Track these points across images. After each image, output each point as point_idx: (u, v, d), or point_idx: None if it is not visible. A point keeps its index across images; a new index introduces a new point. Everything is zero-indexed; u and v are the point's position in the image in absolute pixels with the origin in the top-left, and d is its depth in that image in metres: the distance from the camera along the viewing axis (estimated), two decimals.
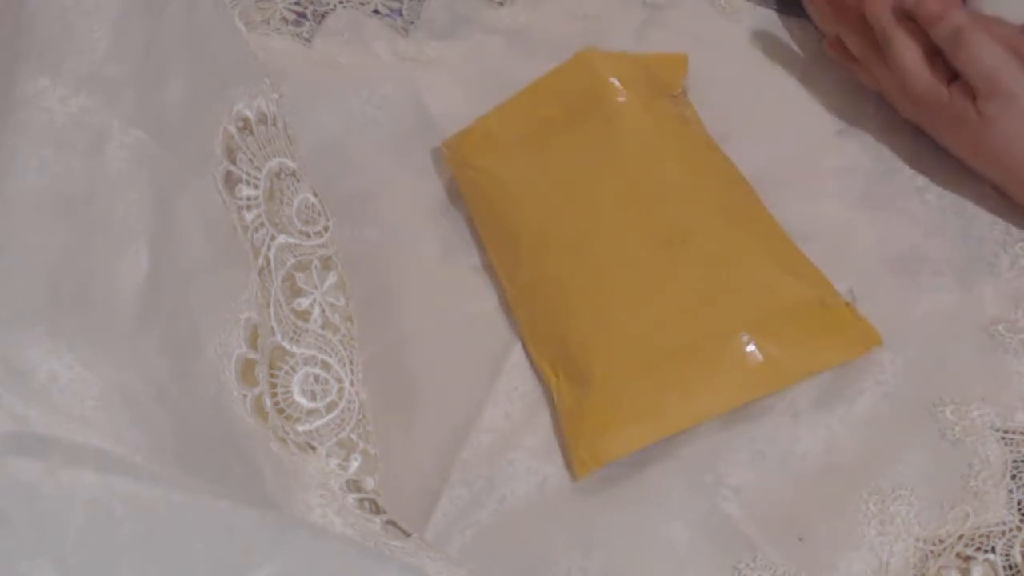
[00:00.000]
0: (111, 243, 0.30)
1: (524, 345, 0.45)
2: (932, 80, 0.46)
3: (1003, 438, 0.41)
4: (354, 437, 0.38)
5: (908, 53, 0.46)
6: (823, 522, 0.40)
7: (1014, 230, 0.47)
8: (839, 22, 0.51)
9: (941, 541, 0.39)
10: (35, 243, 0.27)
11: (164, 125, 0.33)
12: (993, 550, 0.38)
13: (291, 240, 0.39)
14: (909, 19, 0.46)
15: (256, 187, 0.38)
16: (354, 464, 0.37)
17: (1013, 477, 0.40)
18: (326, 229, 0.42)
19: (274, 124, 0.40)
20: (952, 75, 0.46)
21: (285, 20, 0.55)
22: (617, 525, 0.40)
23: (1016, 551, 0.38)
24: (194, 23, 0.36)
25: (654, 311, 0.42)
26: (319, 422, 0.37)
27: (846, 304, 0.43)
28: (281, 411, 0.37)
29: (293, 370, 0.37)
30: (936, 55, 0.46)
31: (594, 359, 0.41)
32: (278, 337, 0.37)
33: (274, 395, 0.36)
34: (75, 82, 0.30)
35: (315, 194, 0.42)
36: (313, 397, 0.38)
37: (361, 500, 0.36)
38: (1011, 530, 0.38)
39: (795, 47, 0.55)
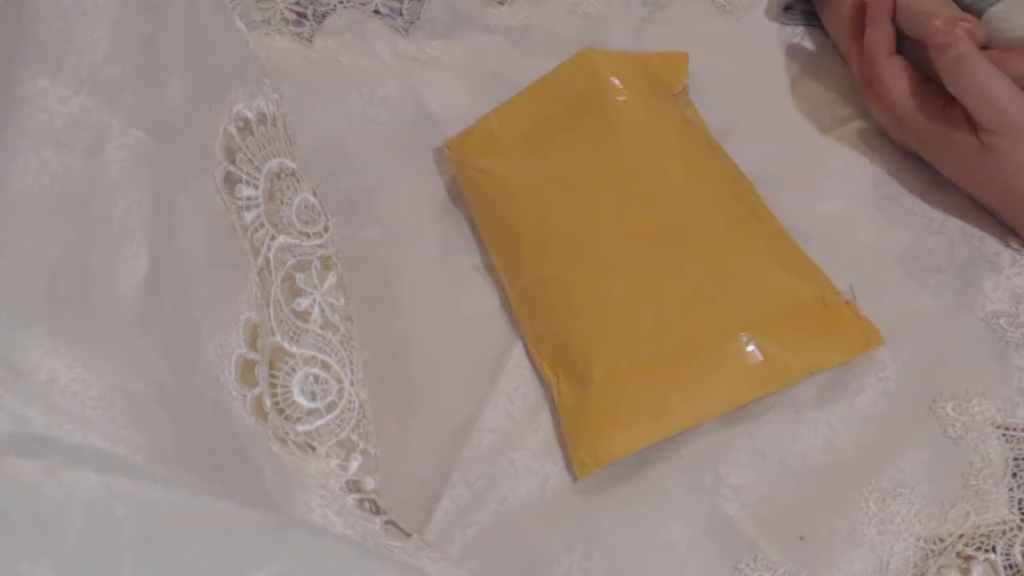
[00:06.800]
0: (111, 243, 0.30)
1: (525, 345, 0.45)
2: (924, 108, 0.46)
3: (1004, 435, 0.41)
4: (354, 437, 0.38)
5: (896, 84, 0.46)
6: (824, 521, 0.39)
7: None
8: (850, 45, 0.50)
9: (942, 540, 0.39)
10: (35, 243, 0.27)
11: (164, 125, 0.33)
12: (994, 549, 0.38)
13: (291, 240, 0.39)
14: (899, 52, 0.46)
15: (256, 187, 0.38)
16: (354, 464, 0.37)
17: (1014, 475, 0.40)
18: (326, 229, 0.42)
19: (274, 124, 0.40)
20: (945, 102, 0.46)
21: (285, 20, 0.55)
22: (617, 525, 0.40)
23: (1017, 551, 0.38)
24: (194, 23, 0.36)
25: (654, 311, 0.42)
26: (319, 422, 0.37)
27: (847, 303, 0.43)
28: (281, 411, 0.37)
29: (293, 370, 0.37)
30: (927, 82, 0.46)
31: (594, 359, 0.41)
32: (278, 337, 0.37)
33: (274, 395, 0.36)
34: (75, 82, 0.30)
35: (315, 194, 0.42)
36: (313, 397, 0.38)
37: (361, 500, 0.36)
38: (1012, 529, 0.38)
39: (796, 44, 0.55)
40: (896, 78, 0.46)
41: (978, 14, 0.46)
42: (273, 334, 0.37)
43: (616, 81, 0.47)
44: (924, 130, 0.46)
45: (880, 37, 0.47)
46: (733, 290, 0.42)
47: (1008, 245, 0.46)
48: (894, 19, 0.47)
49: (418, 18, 0.56)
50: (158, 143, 0.32)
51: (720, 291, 0.42)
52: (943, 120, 0.45)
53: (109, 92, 0.31)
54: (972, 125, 0.44)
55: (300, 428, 0.37)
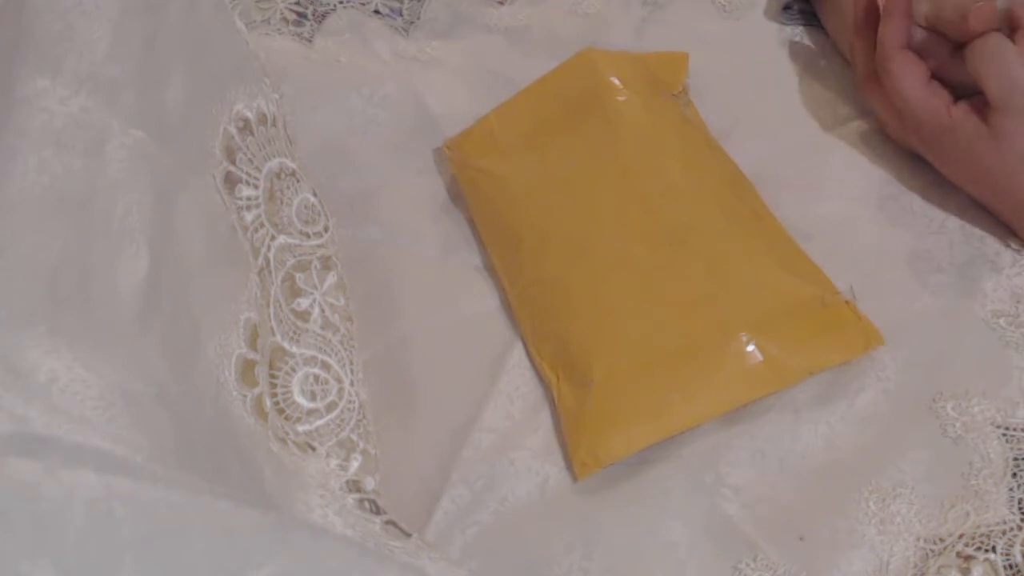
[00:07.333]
0: (111, 243, 0.30)
1: (525, 345, 0.45)
2: (932, 103, 0.46)
3: (1004, 435, 0.41)
4: (354, 437, 0.38)
5: (906, 78, 0.46)
6: (824, 521, 0.39)
7: None
8: (855, 38, 0.50)
9: (941, 540, 0.39)
10: (35, 243, 0.27)
11: (164, 125, 0.33)
12: (994, 549, 0.38)
13: (291, 240, 0.39)
14: (908, 49, 0.46)
15: (256, 187, 0.38)
16: (354, 464, 0.37)
17: (1014, 475, 0.40)
18: (326, 229, 0.42)
19: (274, 124, 0.40)
20: (953, 99, 0.46)
21: (285, 20, 0.55)
22: (617, 525, 0.40)
23: (1017, 551, 0.38)
24: (194, 23, 0.36)
25: (654, 311, 0.42)
26: (319, 422, 0.37)
27: (847, 303, 0.43)
28: (281, 411, 0.37)
29: (293, 370, 0.37)
30: (933, 80, 0.46)
31: (594, 359, 0.41)
32: (278, 337, 0.37)
33: (274, 395, 0.36)
34: (75, 82, 0.30)
35: (315, 194, 0.42)
36: (313, 397, 0.38)
37: (361, 500, 0.36)
38: (1012, 529, 0.38)
39: (796, 44, 0.55)
40: (906, 71, 0.46)
41: None
42: (273, 334, 0.37)
43: (616, 81, 0.47)
44: (928, 125, 0.46)
45: (895, 30, 0.47)
46: (733, 290, 0.42)
47: (1008, 245, 0.46)
48: (909, 13, 0.47)
49: (418, 18, 0.56)
50: (158, 143, 0.32)
51: (720, 291, 0.42)
52: (948, 115, 0.45)
53: (109, 92, 0.31)
54: (979, 116, 0.44)
55: (300, 428, 0.37)
